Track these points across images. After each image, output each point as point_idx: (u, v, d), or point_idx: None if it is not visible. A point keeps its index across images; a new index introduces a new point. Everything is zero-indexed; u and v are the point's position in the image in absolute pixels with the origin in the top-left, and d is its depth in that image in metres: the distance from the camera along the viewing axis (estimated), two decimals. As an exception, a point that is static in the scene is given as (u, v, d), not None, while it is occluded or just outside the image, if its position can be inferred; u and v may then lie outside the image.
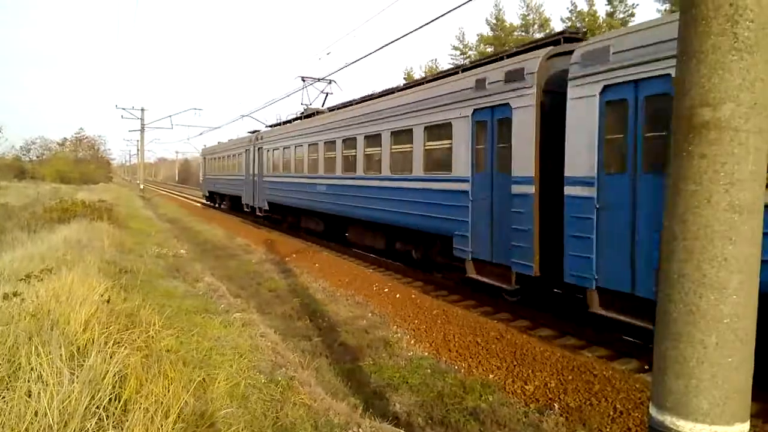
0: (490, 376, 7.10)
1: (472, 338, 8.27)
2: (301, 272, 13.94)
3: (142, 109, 54.33)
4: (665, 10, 33.36)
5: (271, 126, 26.71)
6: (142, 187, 55.93)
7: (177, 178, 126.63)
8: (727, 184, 2.12)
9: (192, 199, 52.69)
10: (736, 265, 2.14)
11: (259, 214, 25.95)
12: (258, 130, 28.49)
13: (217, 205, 38.79)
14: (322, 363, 7.31)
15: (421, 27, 16.39)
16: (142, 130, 55.40)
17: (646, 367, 7.22)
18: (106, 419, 3.74)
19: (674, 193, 2.25)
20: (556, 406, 6.20)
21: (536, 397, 6.50)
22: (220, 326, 7.01)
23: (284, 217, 24.03)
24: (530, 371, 7.04)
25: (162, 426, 3.73)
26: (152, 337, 5.58)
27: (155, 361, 4.93)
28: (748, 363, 2.23)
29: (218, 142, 39.43)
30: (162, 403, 4.05)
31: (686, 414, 2.26)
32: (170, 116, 71.32)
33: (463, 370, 7.33)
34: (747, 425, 2.26)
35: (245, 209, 28.29)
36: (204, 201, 42.87)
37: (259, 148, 25.73)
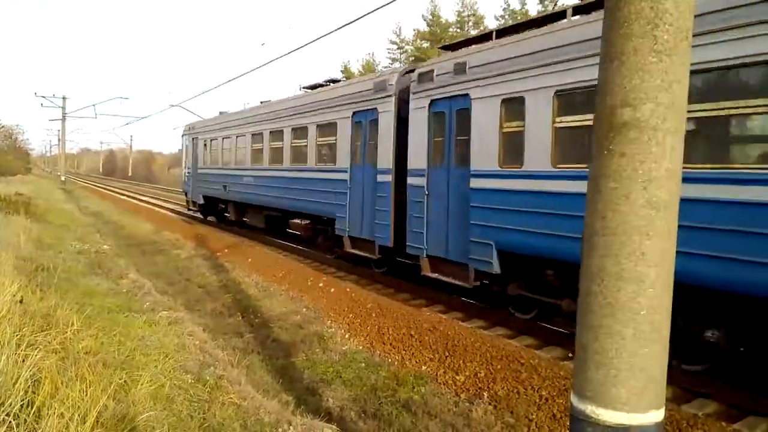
0: (423, 367, 7.18)
1: (406, 331, 8.33)
2: (234, 267, 13.60)
3: (64, 98, 51.65)
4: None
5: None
6: (63, 179, 53.04)
7: (102, 170, 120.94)
8: (645, 182, 2.19)
9: (118, 193, 50.45)
10: (652, 259, 2.23)
11: (462, 283, 9.40)
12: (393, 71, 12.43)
13: (214, 219, 23.63)
14: (253, 360, 7.16)
15: (357, 19, 16.35)
16: (64, 119, 52.63)
17: (570, 354, 7.50)
18: (17, 427, 3.51)
19: (595, 190, 2.31)
20: (486, 395, 6.34)
21: (467, 386, 6.62)
22: (145, 325, 6.73)
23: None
24: (461, 362, 7.17)
25: (78, 431, 3.53)
26: (70, 338, 5.29)
27: (72, 363, 4.68)
28: (663, 353, 2.32)
29: (219, 113, 23.50)
30: (79, 407, 3.85)
31: (605, 403, 2.33)
32: (94, 105, 67.67)
33: (396, 363, 7.38)
34: (662, 412, 2.36)
35: (330, 249, 14.45)
36: (188, 209, 26.06)
37: (462, 99, 9.38)
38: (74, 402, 3.88)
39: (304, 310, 9.80)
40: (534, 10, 40.12)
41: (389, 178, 11.04)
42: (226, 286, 11.82)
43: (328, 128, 13.48)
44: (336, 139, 13.03)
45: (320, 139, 13.94)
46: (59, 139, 55.26)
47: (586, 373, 2.39)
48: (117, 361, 5.17)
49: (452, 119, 9.62)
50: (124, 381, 4.63)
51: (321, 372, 7.03)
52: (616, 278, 2.27)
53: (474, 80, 9.06)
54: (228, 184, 19.93)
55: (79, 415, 3.71)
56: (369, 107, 11.79)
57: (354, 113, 12.34)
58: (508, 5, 41.64)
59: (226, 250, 15.97)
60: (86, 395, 3.98)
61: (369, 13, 13.17)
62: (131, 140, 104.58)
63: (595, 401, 2.35)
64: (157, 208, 32.01)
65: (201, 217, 24.53)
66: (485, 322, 9.23)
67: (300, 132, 14.90)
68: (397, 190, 10.91)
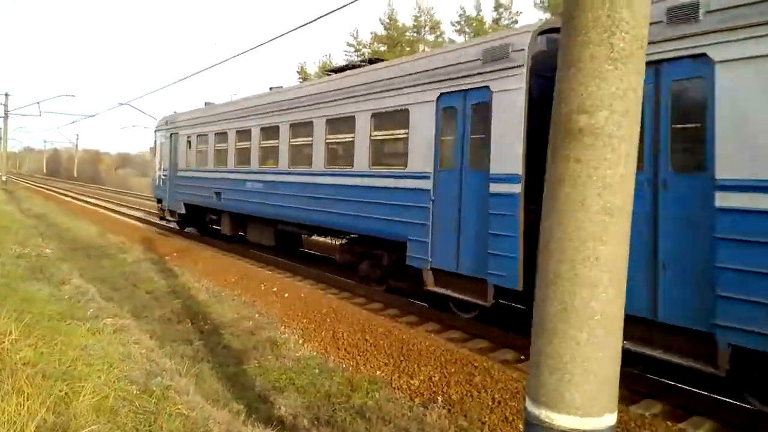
0: (378, 372, 7.14)
1: (361, 336, 8.28)
2: (183, 272, 13.24)
3: (6, 94, 49.88)
4: (546, 18, 35.45)
5: None
6: (4, 179, 50.69)
7: (45, 170, 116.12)
8: (600, 188, 2.21)
9: (63, 194, 48.53)
10: (606, 264, 2.25)
11: (699, 366, 5.91)
12: None
13: (194, 231, 19.93)
14: (203, 368, 6.96)
15: (314, 20, 16.05)
16: (6, 116, 50.52)
17: (522, 357, 7.60)
18: (-56, 446, 3.29)
19: (551, 196, 2.33)
20: (440, 399, 6.35)
21: (421, 391, 6.62)
22: (88, 334, 6.42)
23: None
24: (416, 366, 7.16)
25: (13, 449, 3.34)
26: (7, 348, 5.04)
27: (9, 375, 4.46)
28: (616, 357, 2.35)
29: (205, 104, 19.39)
30: (15, 422, 3.66)
31: (560, 408, 2.34)
32: (38, 102, 65.01)
33: (351, 368, 7.31)
34: (615, 416, 2.39)
35: (380, 280, 11.28)
36: (161, 218, 22.06)
37: None
38: (10, 417, 3.70)
39: (257, 315, 9.61)
40: (489, 17, 40.90)
41: (516, 188, 7.69)
42: (175, 291, 11.48)
43: (392, 118, 10.08)
44: (407, 134, 9.62)
45: (378, 133, 10.42)
46: (1, 138, 52.94)
47: (540, 377, 2.40)
48: (57, 372, 4.92)
49: (667, 96, 6.27)
50: (65, 393, 4.42)
51: (273, 379, 6.89)
52: (571, 283, 2.28)
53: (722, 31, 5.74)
54: (223, 190, 16.21)
55: (15, 431, 3.51)
56: (472, 86, 8.41)
57: (441, 96, 8.95)
58: (464, 11, 42.30)
59: (175, 254, 15.55)
60: (23, 409, 3.80)
61: (326, 15, 12.52)
62: (77, 139, 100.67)
63: (549, 406, 2.36)
64: (102, 210, 30.93)
65: (177, 228, 20.76)
66: (440, 325, 9.27)
67: (341, 124, 11.31)
68: (527, 207, 7.62)
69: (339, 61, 46.07)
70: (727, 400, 5.89)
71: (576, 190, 2.23)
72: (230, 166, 16.01)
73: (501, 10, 39.09)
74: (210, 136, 17.46)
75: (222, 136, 16.62)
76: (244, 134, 15.31)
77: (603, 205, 2.21)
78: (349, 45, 48.68)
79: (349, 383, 6.74)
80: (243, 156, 15.37)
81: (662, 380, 6.53)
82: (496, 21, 39.47)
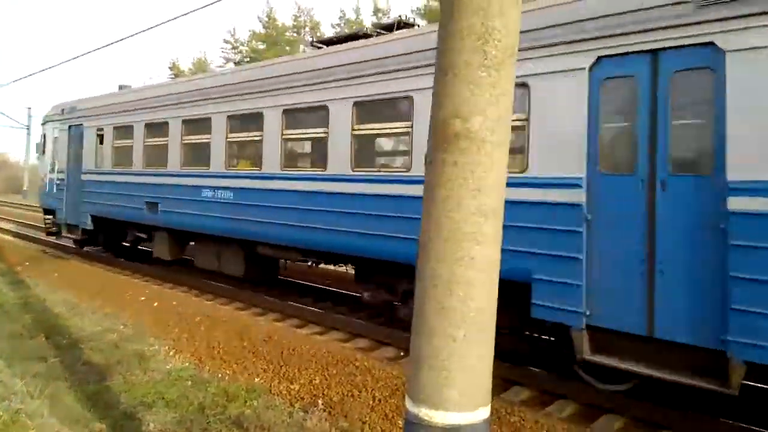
0: (256, 379, 6.93)
1: (239, 342, 8.00)
2: (37, 283, 12.01)
3: None
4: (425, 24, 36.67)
5: None
6: None
7: None
8: (474, 190, 2.30)
9: None
10: (481, 264, 2.34)
11: None
12: None
13: (93, 250, 16.01)
14: (59, 388, 6.31)
15: (187, 13, 15.12)
16: None
17: (402, 354, 7.77)
18: None
19: (430, 198, 2.38)
20: (320, 402, 6.30)
21: (301, 395, 6.52)
22: None
23: None
24: (297, 370, 7.06)
25: None
26: None
27: None
28: (489, 353, 2.46)
29: (120, 87, 16.29)
30: None
31: (438, 405, 2.40)
32: None
33: (227, 377, 7.03)
34: (489, 408, 2.50)
35: None
36: (50, 232, 17.43)
37: None
38: None
39: (122, 327, 8.95)
40: (368, 21, 41.62)
41: None
42: (27, 304, 10.37)
43: None
44: (525, 120, 6.49)
45: None
46: None
47: (419, 376, 2.44)
48: None
49: None
50: None
51: (141, 395, 6.42)
52: (448, 283, 2.35)
53: None
54: (161, 199, 12.17)
55: None
56: (675, 42, 5.44)
57: (601, 60, 5.93)
58: (344, 14, 42.75)
59: (27, 263, 14.11)
60: None
61: (201, 8, 11.73)
62: None
63: (428, 404, 2.41)
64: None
65: (75, 247, 16.41)
66: (321, 327, 9.22)
67: (382, 109, 8.42)
68: None
69: (215, 58, 44.45)
70: (589, 385, 6.38)
71: (453, 192, 2.30)
72: (174, 168, 11.96)
73: (379, 14, 40.01)
74: (137, 128, 13.20)
75: (158, 127, 12.52)
76: (197, 125, 11.48)
77: (478, 207, 2.30)
78: (226, 42, 47.29)
79: (225, 393, 6.47)
80: (197, 154, 11.60)
81: (529, 368, 6.97)
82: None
